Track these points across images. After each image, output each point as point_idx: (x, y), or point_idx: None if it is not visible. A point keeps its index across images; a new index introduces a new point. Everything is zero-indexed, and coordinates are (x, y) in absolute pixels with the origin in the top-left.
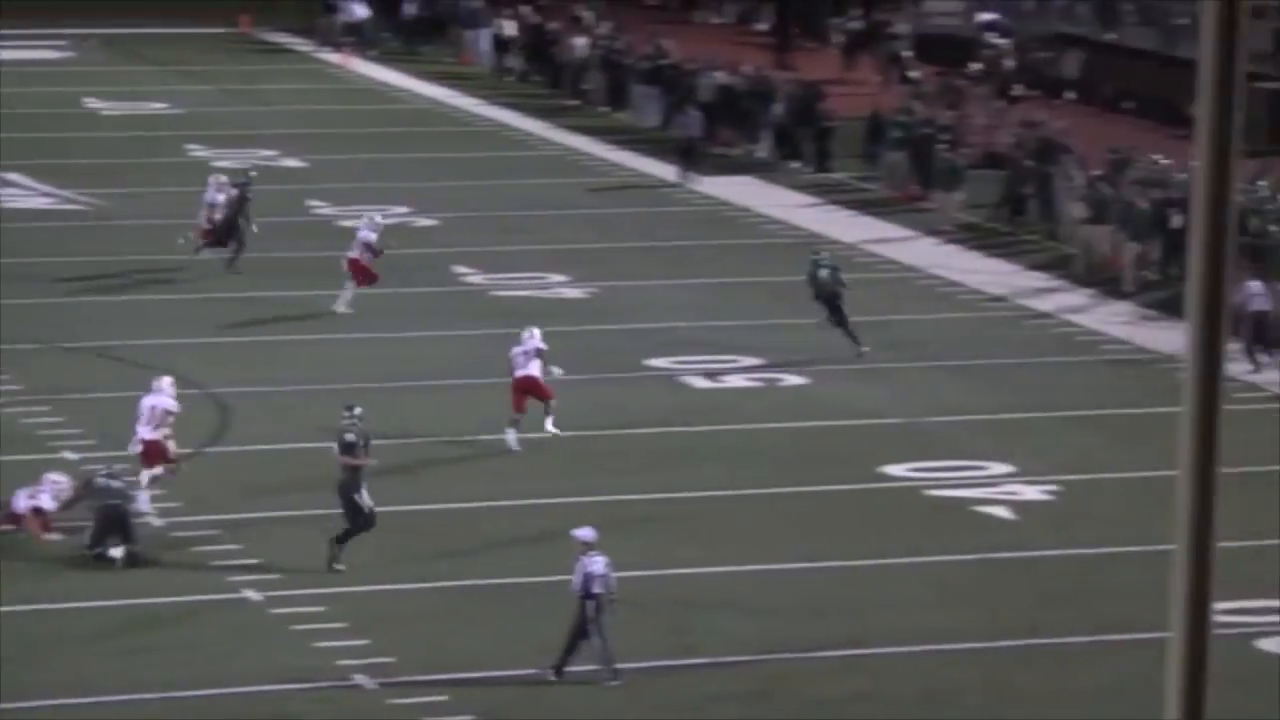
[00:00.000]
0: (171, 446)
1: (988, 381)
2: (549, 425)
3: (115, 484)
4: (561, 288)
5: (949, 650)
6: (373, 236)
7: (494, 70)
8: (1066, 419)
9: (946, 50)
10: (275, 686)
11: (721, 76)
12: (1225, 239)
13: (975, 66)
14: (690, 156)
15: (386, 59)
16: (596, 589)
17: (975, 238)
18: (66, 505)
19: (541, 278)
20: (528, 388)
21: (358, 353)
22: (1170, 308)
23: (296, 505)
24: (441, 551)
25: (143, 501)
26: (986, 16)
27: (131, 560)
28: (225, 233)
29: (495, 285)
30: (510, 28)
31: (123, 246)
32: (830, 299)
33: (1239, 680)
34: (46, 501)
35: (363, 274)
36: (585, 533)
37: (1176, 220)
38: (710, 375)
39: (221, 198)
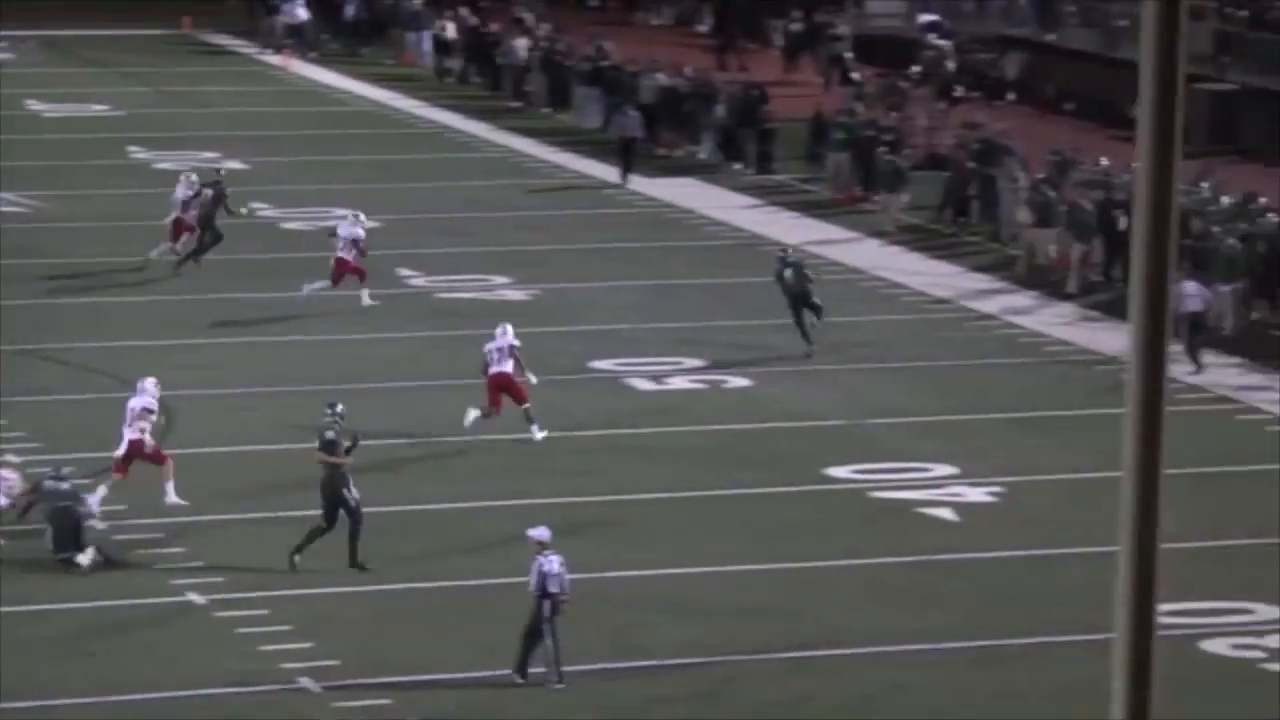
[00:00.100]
0: (149, 441)
1: (931, 383)
2: (536, 433)
3: (64, 486)
4: (505, 289)
5: (894, 652)
6: (360, 232)
7: (435, 72)
8: (1009, 420)
9: (887, 52)
10: (220, 690)
11: (663, 78)
12: (1167, 241)
13: (916, 68)
14: (630, 157)
15: (327, 61)
16: (552, 589)
17: (918, 239)
18: (20, 510)
19: (485, 280)
20: (502, 385)
21: (302, 355)
22: (1113, 309)
23: (241, 508)
24: (386, 554)
25: (169, 495)
26: (927, 18)
27: (98, 567)
28: (203, 231)
29: (438, 287)
30: (451, 30)
31: (64, 249)
32: (798, 299)
33: (1184, 681)
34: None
35: (354, 272)
36: (540, 532)
37: (1124, 222)
38: (655, 378)
39: (191, 194)
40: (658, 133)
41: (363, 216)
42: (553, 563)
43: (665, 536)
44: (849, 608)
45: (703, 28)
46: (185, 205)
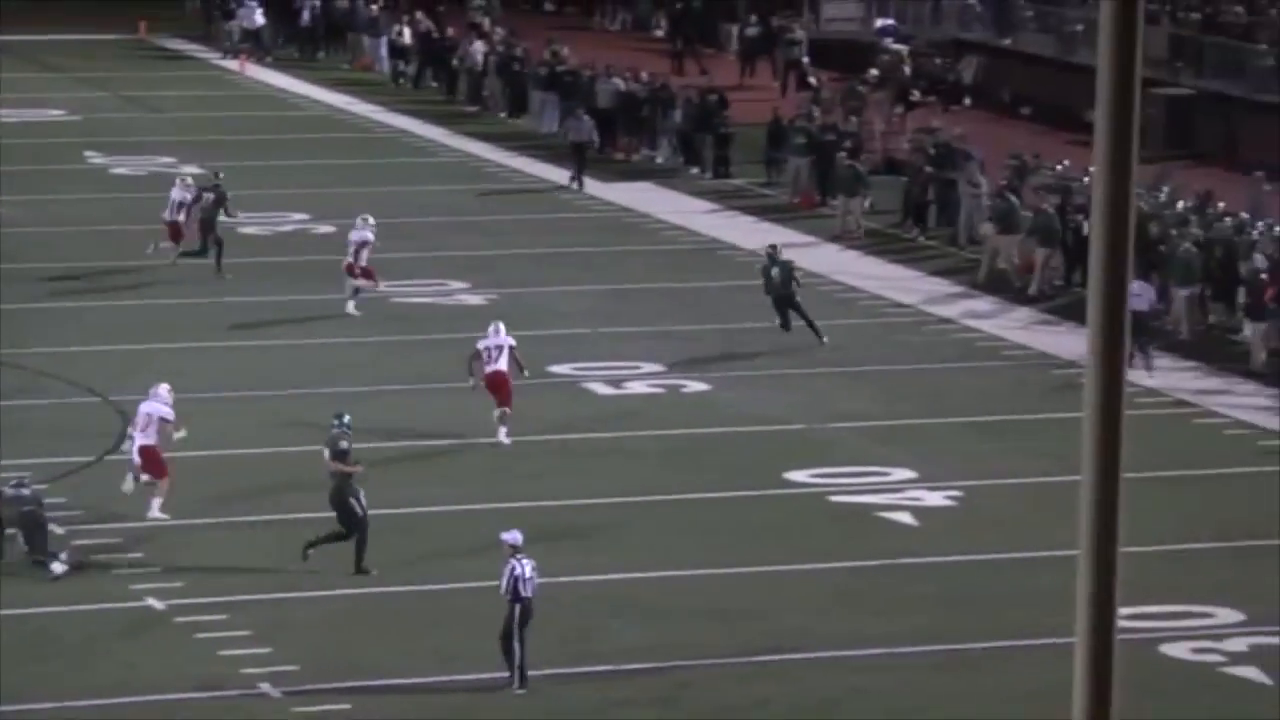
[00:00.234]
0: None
1: (890, 387)
2: (504, 438)
3: (25, 492)
4: (462, 294)
5: (854, 656)
6: (369, 236)
7: (392, 77)
8: (968, 424)
9: (843, 56)
10: (180, 695)
11: (620, 83)
12: (1125, 244)
13: (874, 71)
14: (582, 161)
15: (284, 65)
16: (525, 592)
17: (876, 244)
18: None
19: (442, 284)
20: (497, 383)
21: (259, 361)
22: (1070, 313)
23: (199, 513)
24: (343, 560)
25: (153, 509)
26: (883, 23)
27: (68, 575)
28: (205, 235)
29: (396, 292)
30: (408, 34)
31: (20, 254)
32: (781, 300)
33: (1144, 685)
34: None
35: (365, 275)
36: (513, 536)
37: (1087, 226)
38: (613, 383)
39: (189, 197)
40: (615, 137)
41: (371, 220)
42: (525, 567)
43: (623, 540)
44: (809, 611)
45: (659, 33)
46: (179, 208)
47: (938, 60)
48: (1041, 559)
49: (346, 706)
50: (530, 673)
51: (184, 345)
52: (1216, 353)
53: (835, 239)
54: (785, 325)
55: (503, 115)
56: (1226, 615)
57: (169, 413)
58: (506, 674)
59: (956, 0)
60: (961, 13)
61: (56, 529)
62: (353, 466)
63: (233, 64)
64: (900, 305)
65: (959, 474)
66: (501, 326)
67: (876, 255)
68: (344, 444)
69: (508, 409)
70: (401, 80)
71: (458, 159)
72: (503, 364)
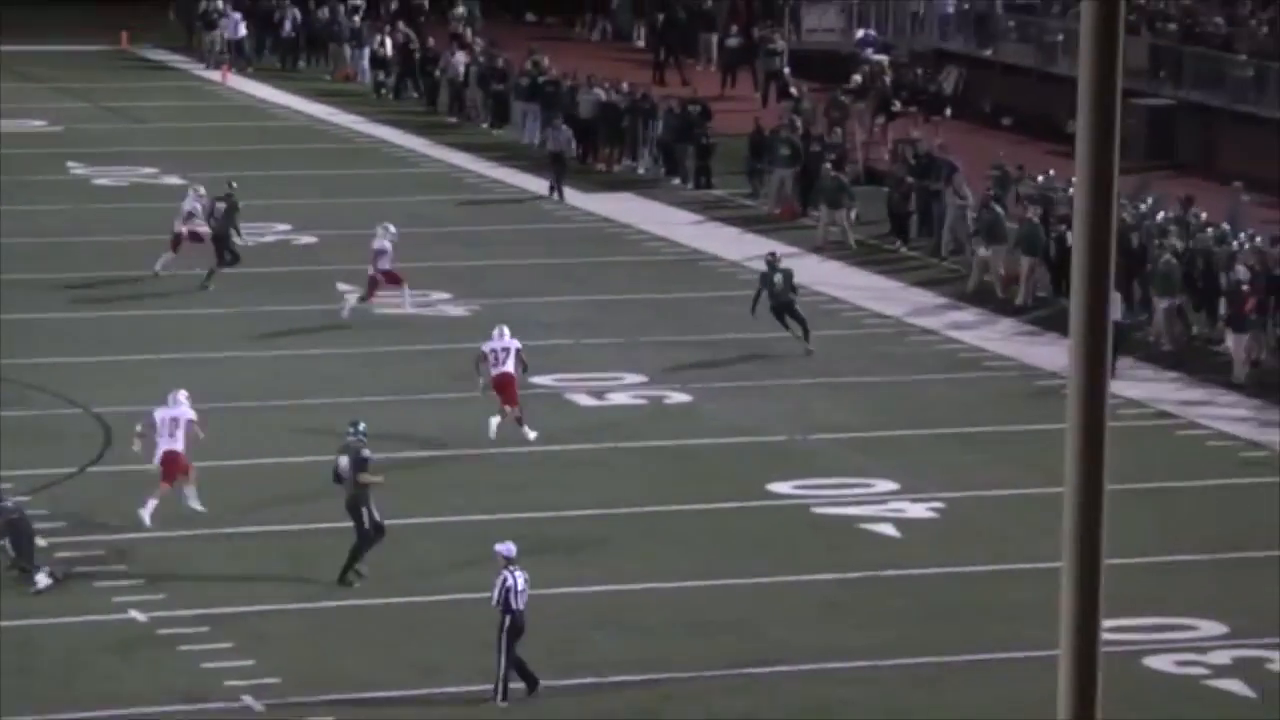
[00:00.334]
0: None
1: (872, 398)
2: (493, 427)
3: (7, 503)
4: (444, 305)
5: (836, 668)
6: (388, 245)
7: (373, 87)
8: (951, 435)
9: (824, 67)
10: (162, 708)
11: (601, 93)
12: (1107, 256)
13: (856, 78)
14: (561, 171)
15: (265, 76)
16: (515, 604)
17: (859, 254)
18: None
19: (423, 295)
20: (504, 385)
21: (241, 371)
22: (1053, 324)
23: (181, 525)
24: (325, 572)
25: (192, 499)
26: (864, 33)
27: (54, 586)
28: (219, 245)
29: (378, 303)
30: (389, 45)
31: (2, 265)
32: (782, 307)
33: (1128, 698)
34: None
35: (391, 281)
36: (506, 548)
37: (1070, 237)
38: (595, 394)
39: (199, 207)
40: (597, 148)
41: (392, 228)
42: (517, 579)
43: (605, 552)
44: (792, 623)
45: (640, 43)
46: (189, 217)
47: (918, 71)
48: (1025, 571)
49: (329, 719)
50: (512, 685)
51: (166, 356)
52: (1198, 364)
53: (817, 250)
54: (788, 328)
55: (485, 126)
56: (1210, 628)
57: (193, 414)
58: (509, 685)
59: (937, 11)
60: (942, 23)
61: (40, 541)
62: (374, 478)
63: (215, 75)
64: (883, 316)
65: (942, 485)
66: (506, 330)
67: (859, 266)
68: (365, 452)
69: (517, 409)
70: (383, 91)
71: (439, 170)
72: (509, 366)
